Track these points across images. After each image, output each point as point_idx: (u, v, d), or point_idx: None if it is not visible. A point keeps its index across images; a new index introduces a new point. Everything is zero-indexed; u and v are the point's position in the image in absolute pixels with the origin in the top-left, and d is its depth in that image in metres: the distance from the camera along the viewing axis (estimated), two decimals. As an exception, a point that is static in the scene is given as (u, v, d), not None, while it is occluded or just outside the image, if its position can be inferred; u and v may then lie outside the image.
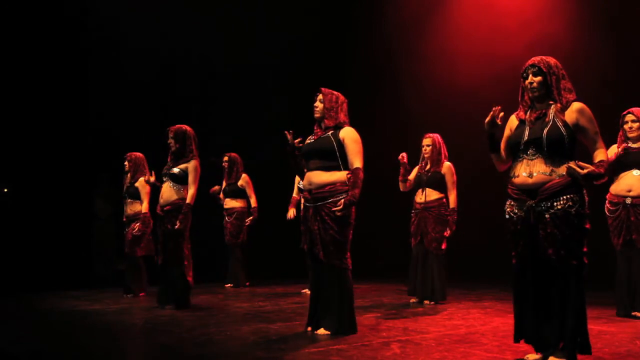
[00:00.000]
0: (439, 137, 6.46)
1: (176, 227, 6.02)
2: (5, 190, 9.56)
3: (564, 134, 3.45)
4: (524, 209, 3.51)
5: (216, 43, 9.91)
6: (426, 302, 6.27)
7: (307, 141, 4.79)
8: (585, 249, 3.45)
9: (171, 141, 6.23)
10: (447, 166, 6.38)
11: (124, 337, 4.87)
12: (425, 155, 6.44)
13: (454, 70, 9.06)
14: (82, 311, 6.15)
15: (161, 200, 6.20)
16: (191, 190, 6.15)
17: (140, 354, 4.39)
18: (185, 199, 6.13)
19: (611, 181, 5.40)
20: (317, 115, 4.76)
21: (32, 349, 4.42)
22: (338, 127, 4.66)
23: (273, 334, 4.61)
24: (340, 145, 4.57)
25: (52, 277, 8.41)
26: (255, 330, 4.77)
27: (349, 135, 4.61)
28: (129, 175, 7.45)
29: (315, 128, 4.80)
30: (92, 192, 9.82)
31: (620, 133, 5.39)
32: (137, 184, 7.36)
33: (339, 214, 4.43)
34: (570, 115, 3.50)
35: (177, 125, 6.28)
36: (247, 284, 8.48)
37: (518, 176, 3.55)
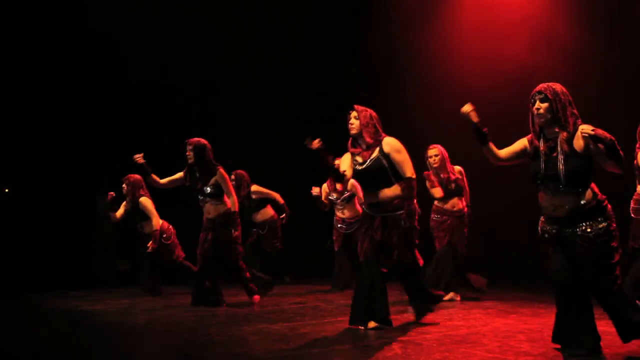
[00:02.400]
0: (442, 147, 6.73)
1: (234, 235, 6.35)
2: (6, 190, 9.56)
3: (579, 165, 3.59)
4: (553, 231, 3.74)
5: (216, 43, 9.89)
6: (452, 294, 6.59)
7: (355, 162, 4.91)
8: (614, 262, 3.65)
9: (189, 154, 6.33)
10: (459, 170, 6.76)
11: (124, 338, 4.86)
12: (435, 165, 6.63)
13: (456, 70, 9.03)
14: (83, 311, 6.14)
15: (209, 216, 6.40)
16: (232, 198, 6.41)
17: (141, 354, 4.38)
18: (229, 209, 6.37)
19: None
20: (353, 132, 4.89)
21: (33, 349, 4.41)
22: (378, 141, 4.85)
23: (274, 334, 4.60)
24: (389, 159, 4.79)
25: (52, 277, 8.40)
26: (256, 331, 4.77)
27: (392, 146, 4.82)
28: (128, 198, 7.54)
29: (350, 145, 4.95)
30: (93, 193, 9.80)
31: (638, 145, 5.51)
32: (140, 206, 7.45)
33: (407, 224, 4.74)
34: (578, 142, 3.60)
35: (195, 139, 6.39)
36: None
37: (543, 206, 3.74)
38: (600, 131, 3.49)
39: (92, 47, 9.70)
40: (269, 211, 8.50)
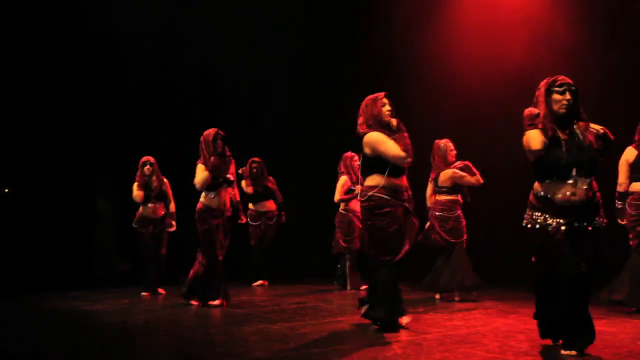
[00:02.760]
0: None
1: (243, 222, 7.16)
2: (6, 190, 9.55)
3: (596, 154, 3.72)
4: (561, 222, 3.71)
5: (217, 42, 9.89)
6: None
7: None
8: None
9: (222, 143, 6.30)
10: None
11: (124, 337, 4.86)
12: (453, 160, 6.65)
13: (456, 70, 9.02)
14: (83, 311, 6.14)
15: (224, 207, 6.32)
16: (235, 187, 6.59)
17: (141, 354, 4.38)
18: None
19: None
20: (390, 116, 4.86)
21: (32, 349, 4.41)
22: None
23: (274, 335, 4.60)
24: None
25: (52, 277, 8.40)
26: (256, 331, 4.76)
27: None
28: (153, 178, 7.53)
29: (385, 130, 4.79)
30: (93, 193, 9.81)
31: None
32: (163, 187, 7.56)
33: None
34: (591, 134, 3.74)
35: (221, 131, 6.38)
36: (266, 283, 8.61)
37: (559, 194, 3.70)
38: (607, 131, 3.71)
39: (92, 47, 9.71)
40: (273, 204, 8.58)
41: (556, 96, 3.71)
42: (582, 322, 3.71)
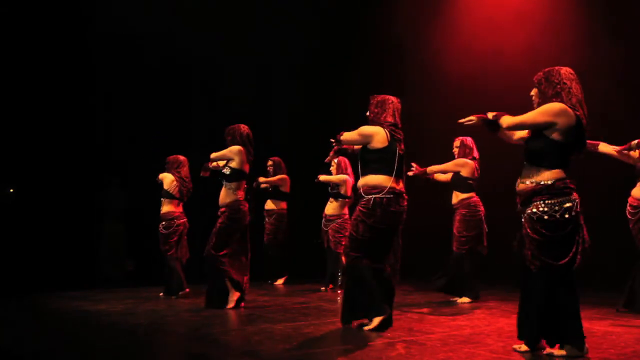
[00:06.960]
0: (467, 140, 6.65)
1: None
2: (11, 190, 9.58)
3: None
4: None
5: (220, 38, 9.88)
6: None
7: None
8: None
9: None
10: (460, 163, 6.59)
11: (128, 337, 4.86)
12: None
13: (459, 66, 9.01)
14: (87, 311, 6.14)
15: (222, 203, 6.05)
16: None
17: (144, 354, 4.38)
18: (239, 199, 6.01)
19: (633, 185, 5.54)
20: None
21: (36, 349, 4.41)
22: None
23: (277, 334, 4.60)
24: None
25: (57, 277, 8.41)
26: (259, 331, 4.76)
27: None
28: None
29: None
30: (100, 192, 9.82)
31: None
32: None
33: None
34: None
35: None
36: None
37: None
38: None
39: (97, 47, 9.72)
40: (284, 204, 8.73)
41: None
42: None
